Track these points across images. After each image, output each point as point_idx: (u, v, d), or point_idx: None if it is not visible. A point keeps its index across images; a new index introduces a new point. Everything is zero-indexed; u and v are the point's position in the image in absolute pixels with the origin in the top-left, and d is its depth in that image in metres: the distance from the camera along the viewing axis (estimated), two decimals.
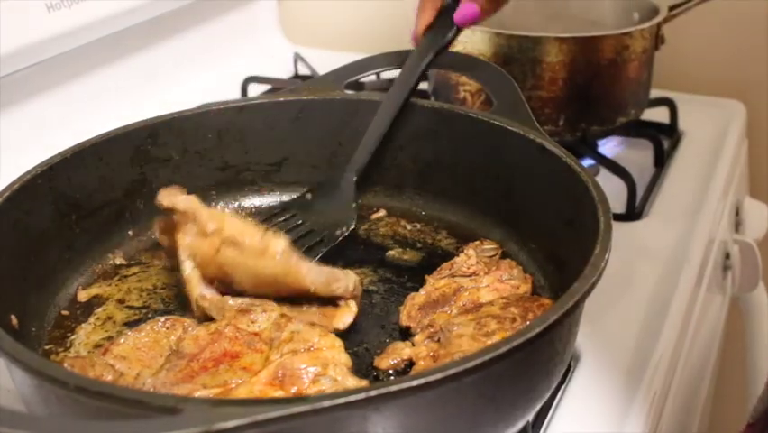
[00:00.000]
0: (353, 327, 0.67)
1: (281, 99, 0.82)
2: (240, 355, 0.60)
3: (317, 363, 0.58)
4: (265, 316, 0.64)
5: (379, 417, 0.49)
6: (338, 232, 0.77)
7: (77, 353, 0.65)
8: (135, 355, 0.61)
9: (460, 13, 0.79)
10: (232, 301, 0.66)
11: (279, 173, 0.85)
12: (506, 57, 0.95)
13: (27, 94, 0.97)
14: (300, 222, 0.79)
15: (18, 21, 0.89)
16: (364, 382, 0.58)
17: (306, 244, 0.76)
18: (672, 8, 1.03)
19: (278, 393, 0.56)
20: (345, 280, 0.67)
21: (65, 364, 0.60)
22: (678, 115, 1.11)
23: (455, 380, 0.46)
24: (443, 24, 0.80)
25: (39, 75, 0.97)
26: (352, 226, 0.78)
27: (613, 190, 0.88)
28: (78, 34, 0.98)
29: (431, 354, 0.61)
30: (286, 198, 0.84)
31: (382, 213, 0.83)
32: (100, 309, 0.70)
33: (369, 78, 0.99)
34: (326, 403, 0.43)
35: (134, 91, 1.10)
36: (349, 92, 0.84)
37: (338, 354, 0.59)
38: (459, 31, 0.80)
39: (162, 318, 0.65)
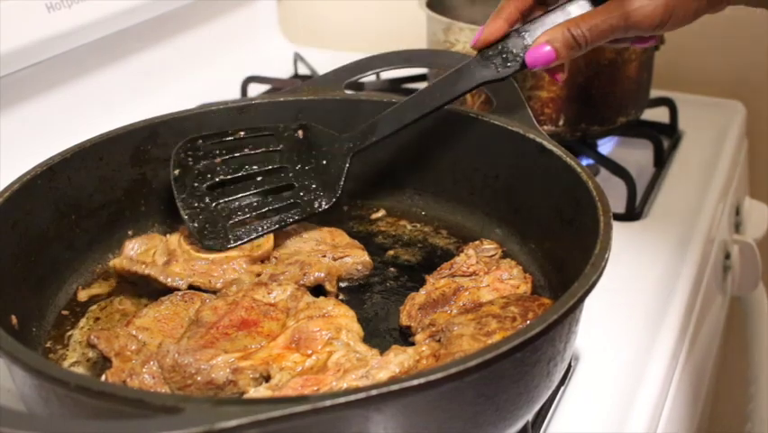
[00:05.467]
0: None
1: (281, 99, 0.82)
2: (258, 323, 0.63)
3: (331, 327, 0.62)
4: (281, 289, 0.67)
5: (380, 416, 0.49)
6: (315, 204, 0.74)
7: (76, 351, 0.66)
8: (157, 327, 0.64)
9: (533, 55, 0.68)
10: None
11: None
12: None
13: (27, 94, 0.97)
14: (279, 166, 0.75)
15: (18, 21, 0.89)
16: (375, 351, 0.60)
17: (277, 203, 0.74)
18: None
19: (295, 356, 0.59)
20: None
21: (91, 336, 0.61)
22: (678, 115, 1.11)
23: (456, 379, 0.46)
24: (509, 49, 0.69)
25: (39, 75, 0.97)
26: (330, 203, 0.74)
27: (613, 190, 0.88)
28: (78, 34, 0.98)
29: (432, 353, 0.61)
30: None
31: (382, 213, 0.83)
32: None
33: (369, 78, 0.99)
34: (327, 403, 0.43)
35: (134, 91, 1.10)
36: (349, 92, 0.84)
37: (351, 322, 0.63)
38: (524, 67, 0.69)
39: (180, 293, 0.67)
